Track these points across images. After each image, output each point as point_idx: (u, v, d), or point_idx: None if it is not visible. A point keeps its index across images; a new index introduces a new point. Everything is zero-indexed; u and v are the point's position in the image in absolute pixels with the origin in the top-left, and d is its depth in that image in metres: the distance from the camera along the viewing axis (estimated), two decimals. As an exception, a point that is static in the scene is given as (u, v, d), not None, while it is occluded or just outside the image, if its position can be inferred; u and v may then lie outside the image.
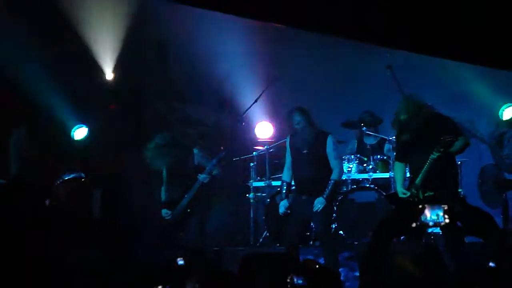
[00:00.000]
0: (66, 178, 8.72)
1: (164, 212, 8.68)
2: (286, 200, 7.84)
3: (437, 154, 7.08)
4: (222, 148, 8.71)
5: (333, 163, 7.74)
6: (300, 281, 4.61)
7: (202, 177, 8.55)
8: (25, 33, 9.24)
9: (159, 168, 8.80)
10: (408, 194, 7.26)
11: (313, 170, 7.71)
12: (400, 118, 7.41)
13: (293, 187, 8.01)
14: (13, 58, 9.18)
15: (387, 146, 9.61)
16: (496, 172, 9.64)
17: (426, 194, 7.18)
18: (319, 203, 7.62)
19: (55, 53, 9.57)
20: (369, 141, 9.89)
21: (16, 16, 9.13)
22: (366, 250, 6.95)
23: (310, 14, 6.61)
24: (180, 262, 5.07)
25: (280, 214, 7.87)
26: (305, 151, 7.79)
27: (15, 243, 4.47)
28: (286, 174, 7.97)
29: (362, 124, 9.76)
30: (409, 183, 7.41)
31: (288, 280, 4.60)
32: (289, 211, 7.78)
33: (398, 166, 7.59)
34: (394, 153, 8.67)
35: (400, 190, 7.38)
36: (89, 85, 10.26)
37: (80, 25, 9.74)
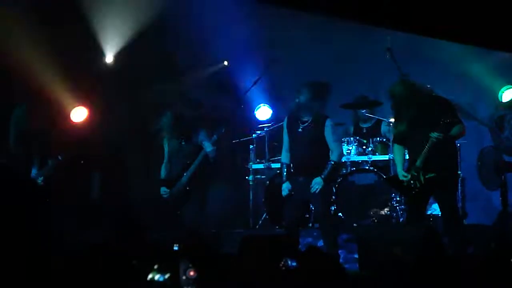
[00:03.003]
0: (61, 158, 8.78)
1: (163, 190, 8.68)
2: (288, 182, 7.76)
3: (437, 135, 7.06)
4: (221, 125, 8.73)
5: (332, 145, 7.66)
6: (293, 264, 4.60)
7: (206, 144, 8.56)
8: (26, 11, 9.21)
9: (161, 145, 8.82)
10: (409, 177, 7.25)
11: (310, 151, 7.63)
12: (394, 100, 7.39)
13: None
14: (14, 36, 9.16)
15: (384, 128, 9.60)
16: (495, 154, 9.65)
17: (427, 176, 7.16)
18: (317, 184, 7.57)
19: (57, 33, 9.54)
20: (366, 125, 9.88)
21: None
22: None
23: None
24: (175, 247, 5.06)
25: (284, 196, 7.77)
26: (301, 132, 7.73)
27: (12, 221, 4.47)
28: (285, 156, 7.88)
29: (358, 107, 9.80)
30: (409, 165, 7.40)
31: (282, 263, 4.59)
32: (293, 193, 7.73)
33: (397, 148, 7.56)
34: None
35: (401, 173, 7.36)
36: (89, 67, 10.24)
37: (81, 5, 9.70)
